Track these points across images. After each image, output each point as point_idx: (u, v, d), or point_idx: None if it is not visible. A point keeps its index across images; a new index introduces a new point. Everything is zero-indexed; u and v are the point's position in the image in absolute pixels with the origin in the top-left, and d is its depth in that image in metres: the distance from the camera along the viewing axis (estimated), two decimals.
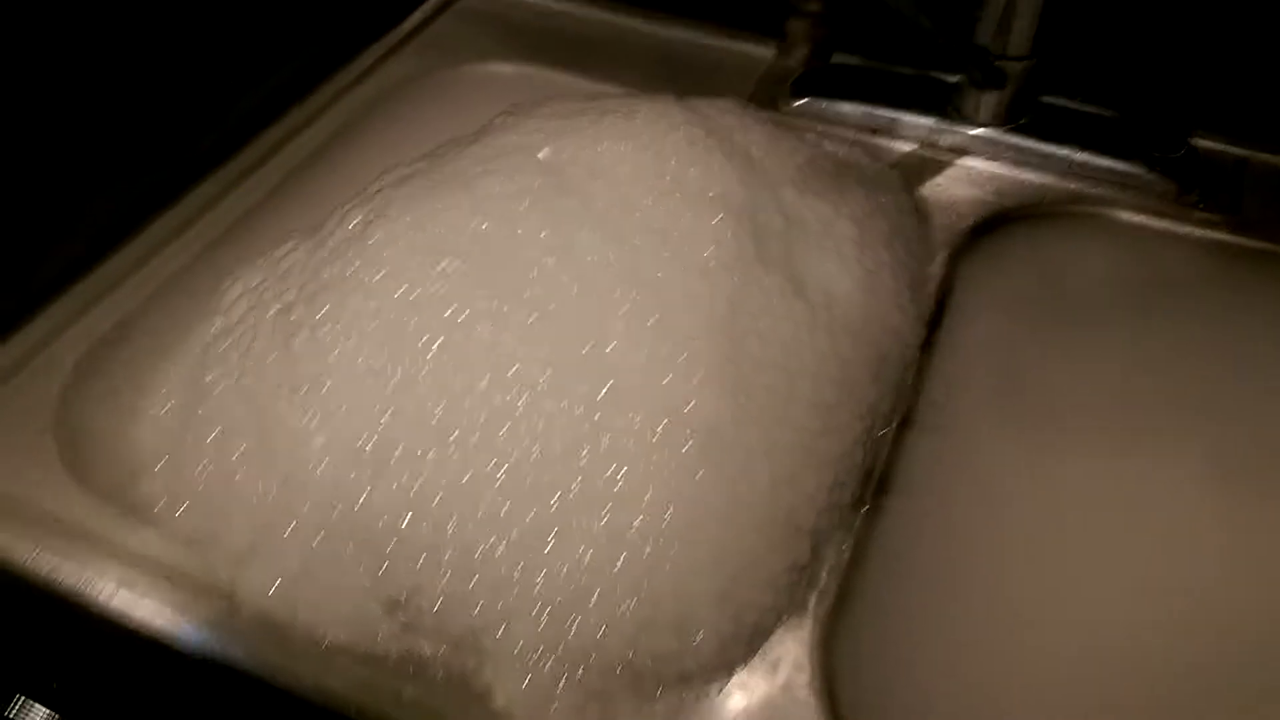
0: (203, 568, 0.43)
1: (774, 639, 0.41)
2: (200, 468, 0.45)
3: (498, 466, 0.42)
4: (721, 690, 0.39)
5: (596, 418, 0.43)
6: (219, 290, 0.52)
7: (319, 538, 0.42)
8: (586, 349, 0.44)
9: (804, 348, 0.46)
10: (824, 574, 0.43)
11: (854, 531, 0.44)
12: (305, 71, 0.68)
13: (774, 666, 0.40)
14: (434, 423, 0.43)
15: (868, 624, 0.42)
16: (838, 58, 0.67)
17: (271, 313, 0.48)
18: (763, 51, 0.70)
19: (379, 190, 0.51)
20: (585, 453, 0.42)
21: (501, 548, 0.41)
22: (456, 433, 0.43)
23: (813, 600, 0.42)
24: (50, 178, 0.52)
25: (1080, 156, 0.60)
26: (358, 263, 0.47)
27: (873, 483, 0.46)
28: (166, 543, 0.44)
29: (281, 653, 0.40)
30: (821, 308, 0.48)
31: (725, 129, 0.54)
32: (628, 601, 0.40)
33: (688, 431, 0.43)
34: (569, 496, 0.41)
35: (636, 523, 0.41)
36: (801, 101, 0.66)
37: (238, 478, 0.44)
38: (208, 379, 0.48)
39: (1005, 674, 0.43)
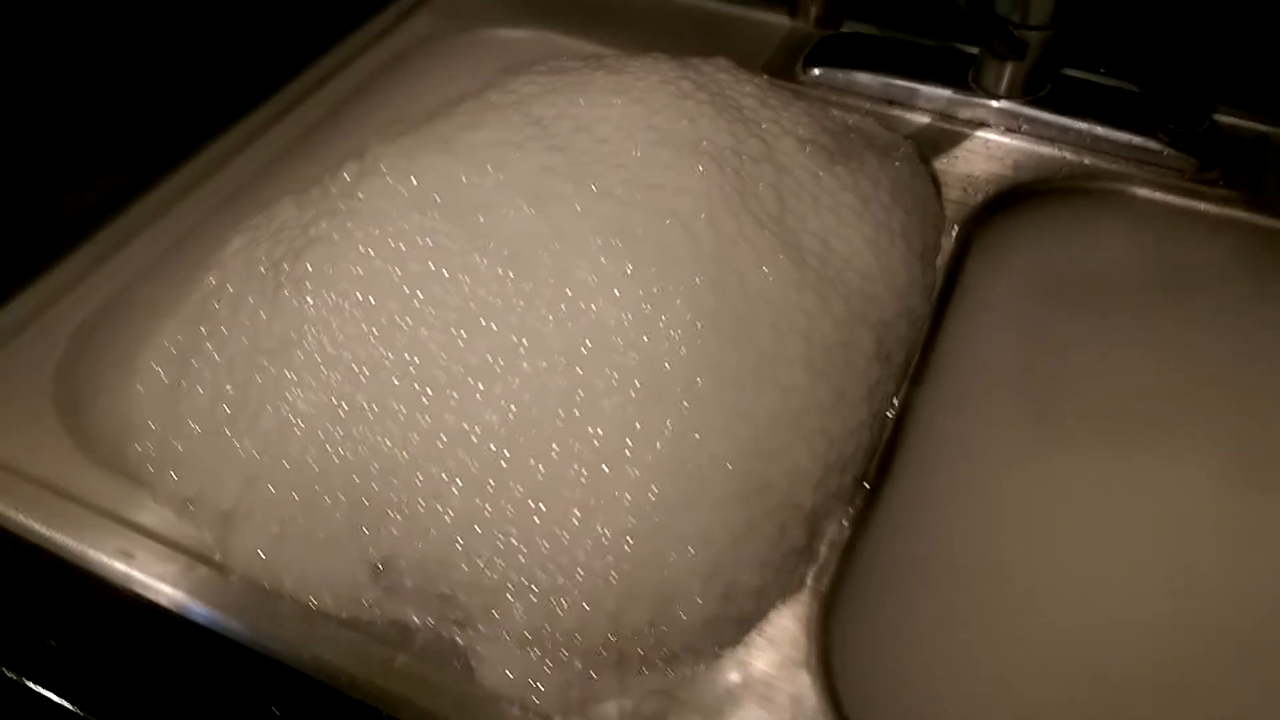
0: (192, 532, 0.43)
1: (770, 616, 0.40)
2: (190, 427, 0.46)
3: (474, 427, 0.42)
4: (714, 668, 0.39)
5: (577, 374, 0.42)
6: (215, 251, 0.52)
7: (300, 499, 0.43)
8: (564, 305, 0.44)
9: (793, 307, 0.45)
10: (823, 550, 0.42)
11: (855, 509, 0.44)
12: (318, 34, 0.68)
13: (771, 643, 0.40)
14: (413, 382, 0.43)
15: (867, 602, 0.42)
16: (854, 27, 0.66)
17: (261, 269, 0.49)
18: (786, 22, 0.69)
19: (370, 148, 0.51)
20: (562, 415, 0.42)
21: (483, 513, 0.41)
22: (431, 391, 0.43)
23: (811, 577, 0.41)
24: (55, 140, 0.52)
25: (1099, 131, 0.59)
26: (344, 220, 0.47)
27: (876, 459, 0.46)
28: (158, 506, 0.44)
29: (270, 619, 0.40)
30: (812, 268, 0.47)
31: (718, 84, 0.53)
32: (611, 576, 0.39)
33: (668, 391, 0.42)
34: (547, 461, 0.41)
35: (617, 492, 0.40)
36: (816, 72, 0.64)
37: (224, 437, 0.45)
38: (200, 338, 0.48)
39: (1006, 654, 0.42)
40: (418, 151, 0.49)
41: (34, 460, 0.45)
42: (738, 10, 0.71)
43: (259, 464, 0.44)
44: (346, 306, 0.45)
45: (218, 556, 0.42)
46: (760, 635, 0.40)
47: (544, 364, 0.43)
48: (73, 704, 0.39)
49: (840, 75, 0.64)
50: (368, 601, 0.41)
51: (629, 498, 0.40)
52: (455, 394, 0.43)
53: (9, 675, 0.40)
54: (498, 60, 0.65)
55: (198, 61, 0.59)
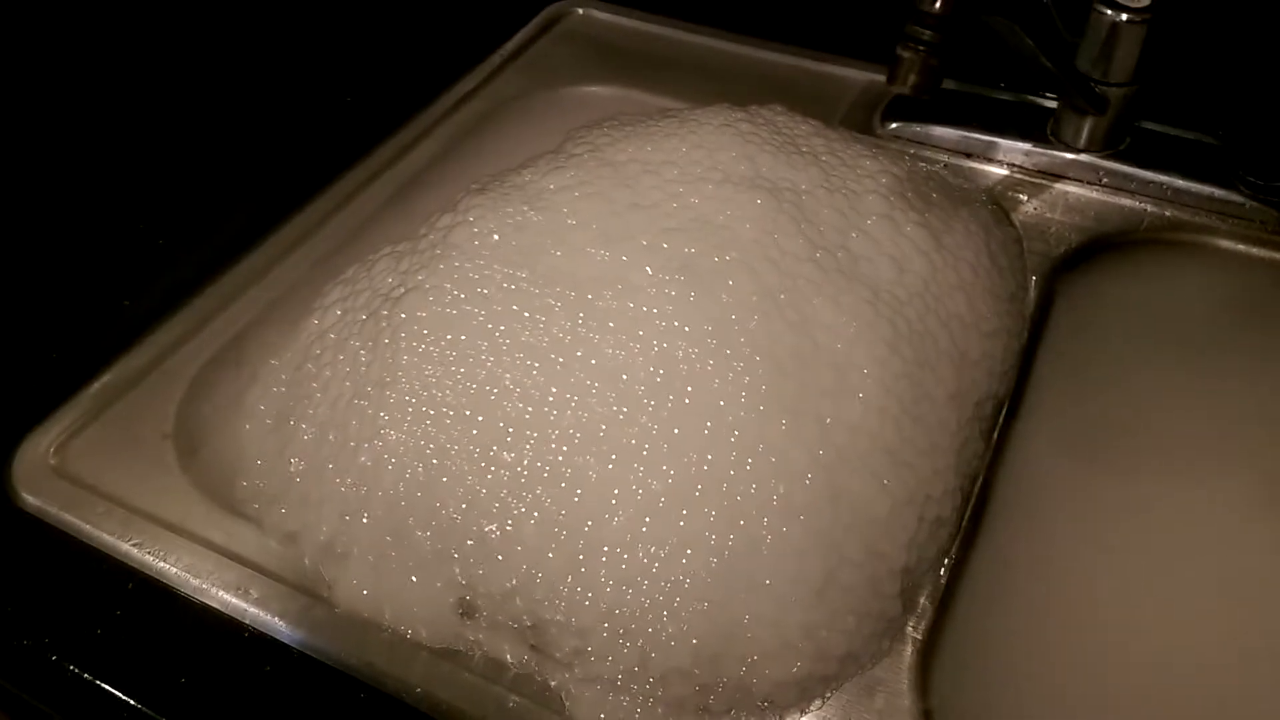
0: (299, 564, 0.45)
1: (870, 666, 0.41)
2: (294, 464, 0.48)
3: (561, 471, 0.44)
4: (812, 715, 0.40)
5: (654, 424, 0.44)
6: (319, 298, 0.55)
7: (391, 534, 0.45)
8: (635, 343, 0.45)
9: (863, 345, 0.46)
10: (922, 600, 0.43)
11: (951, 559, 0.44)
12: (410, 96, 0.71)
13: (870, 691, 0.40)
14: (499, 422, 0.45)
15: (967, 652, 0.43)
16: None
17: (363, 316, 0.51)
18: (864, 76, 0.70)
19: (460, 200, 0.54)
20: (644, 457, 0.43)
21: (567, 555, 0.42)
22: (517, 433, 0.45)
23: (910, 626, 0.42)
24: (174, 197, 0.55)
25: (1180, 183, 0.59)
26: (437, 264, 0.50)
27: (969, 508, 0.46)
28: (265, 540, 0.47)
29: (370, 650, 0.42)
30: (886, 304, 0.48)
31: (774, 126, 0.55)
32: (698, 622, 0.41)
33: (736, 431, 0.43)
34: (630, 506, 0.42)
35: (692, 534, 0.42)
36: (894, 125, 0.66)
37: (325, 473, 0.47)
38: (304, 380, 0.51)
39: (1102, 699, 0.43)
40: (502, 201, 0.52)
41: (152, 499, 0.48)
42: (815, 65, 0.72)
43: (356, 499, 0.46)
44: (436, 350, 0.47)
45: (325, 594, 0.44)
46: (859, 685, 0.41)
47: (624, 409, 0.44)
48: None
49: (918, 128, 0.65)
50: (459, 634, 0.43)
51: (707, 540, 0.41)
52: (533, 432, 0.44)
53: (136, 706, 0.42)
54: (581, 116, 0.67)
55: (299, 123, 0.62)
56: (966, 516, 0.46)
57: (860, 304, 0.47)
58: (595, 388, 0.45)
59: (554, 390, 0.45)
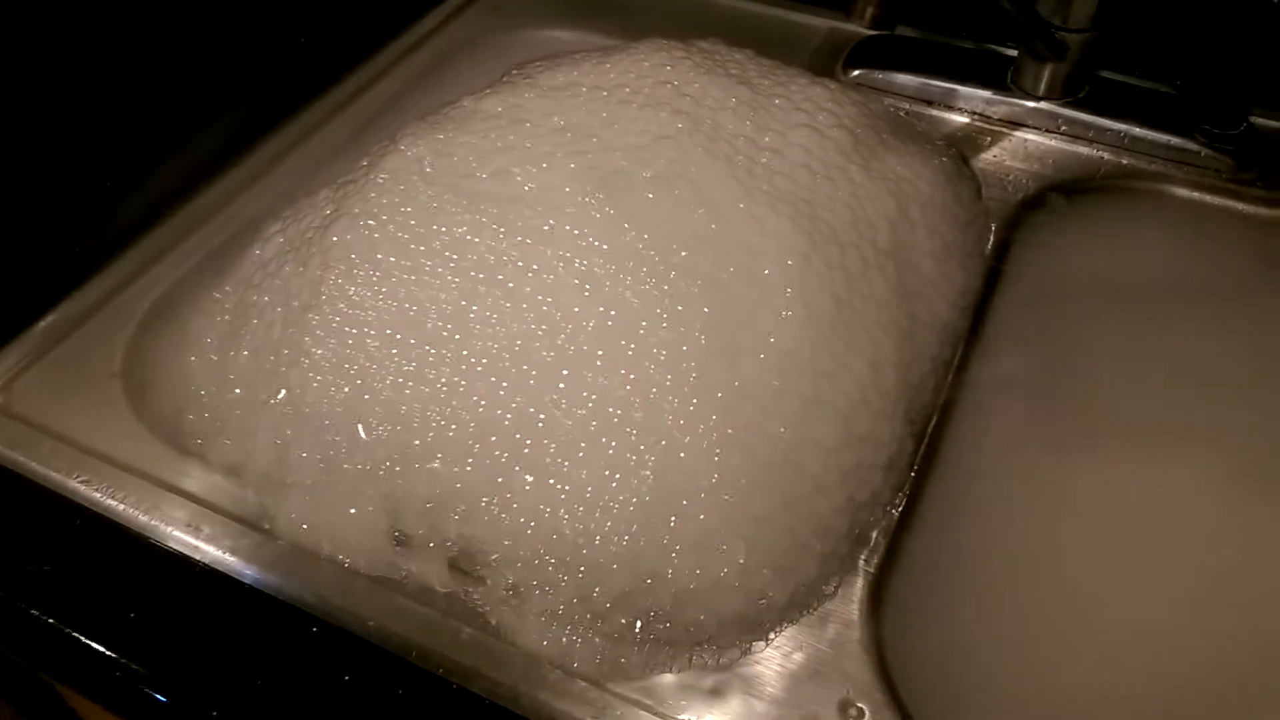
0: (241, 495, 0.45)
1: (824, 597, 0.41)
2: (234, 394, 0.48)
3: (482, 389, 0.44)
4: (765, 647, 0.40)
5: (574, 344, 0.44)
6: (263, 230, 0.54)
7: (323, 460, 0.45)
8: (544, 257, 0.46)
9: (812, 276, 0.46)
10: (874, 536, 0.43)
11: (903, 498, 0.45)
12: (368, 34, 0.70)
13: (822, 622, 0.41)
14: (423, 342, 0.45)
15: (915, 587, 0.43)
16: (897, 30, 0.67)
17: (297, 243, 0.51)
18: (827, 24, 0.70)
19: (400, 129, 0.54)
20: (566, 377, 0.43)
21: (489, 474, 0.43)
22: (436, 349, 0.45)
23: (861, 559, 0.43)
24: (123, 134, 0.54)
25: (1137, 131, 0.60)
26: (369, 193, 0.50)
27: (922, 446, 0.47)
28: (210, 474, 0.46)
29: (313, 580, 0.42)
30: (810, 221, 0.47)
31: (709, 54, 0.55)
32: (660, 553, 0.41)
33: (661, 358, 0.43)
34: (556, 429, 0.43)
35: (659, 466, 0.42)
36: (856, 72, 0.66)
37: (259, 400, 0.47)
38: (243, 310, 0.51)
39: (1051, 637, 0.43)
40: (434, 128, 0.52)
41: (101, 437, 0.47)
42: (778, 13, 0.72)
43: (285, 423, 0.46)
44: (360, 272, 0.47)
45: (266, 525, 0.44)
46: (811, 616, 0.41)
47: (532, 316, 0.45)
48: (139, 665, 0.41)
49: (879, 75, 0.65)
50: (392, 562, 0.43)
51: (639, 465, 0.42)
52: (455, 351, 0.45)
53: (82, 640, 0.41)
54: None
55: (252, 62, 0.61)
56: (920, 454, 0.47)
57: (784, 221, 0.47)
58: (516, 307, 0.45)
59: (474, 309, 0.45)
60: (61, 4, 0.54)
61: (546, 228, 0.46)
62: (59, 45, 0.55)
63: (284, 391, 0.46)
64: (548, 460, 0.42)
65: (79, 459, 0.46)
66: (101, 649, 0.41)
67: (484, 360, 0.44)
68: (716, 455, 0.42)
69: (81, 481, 0.45)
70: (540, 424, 0.43)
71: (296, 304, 0.48)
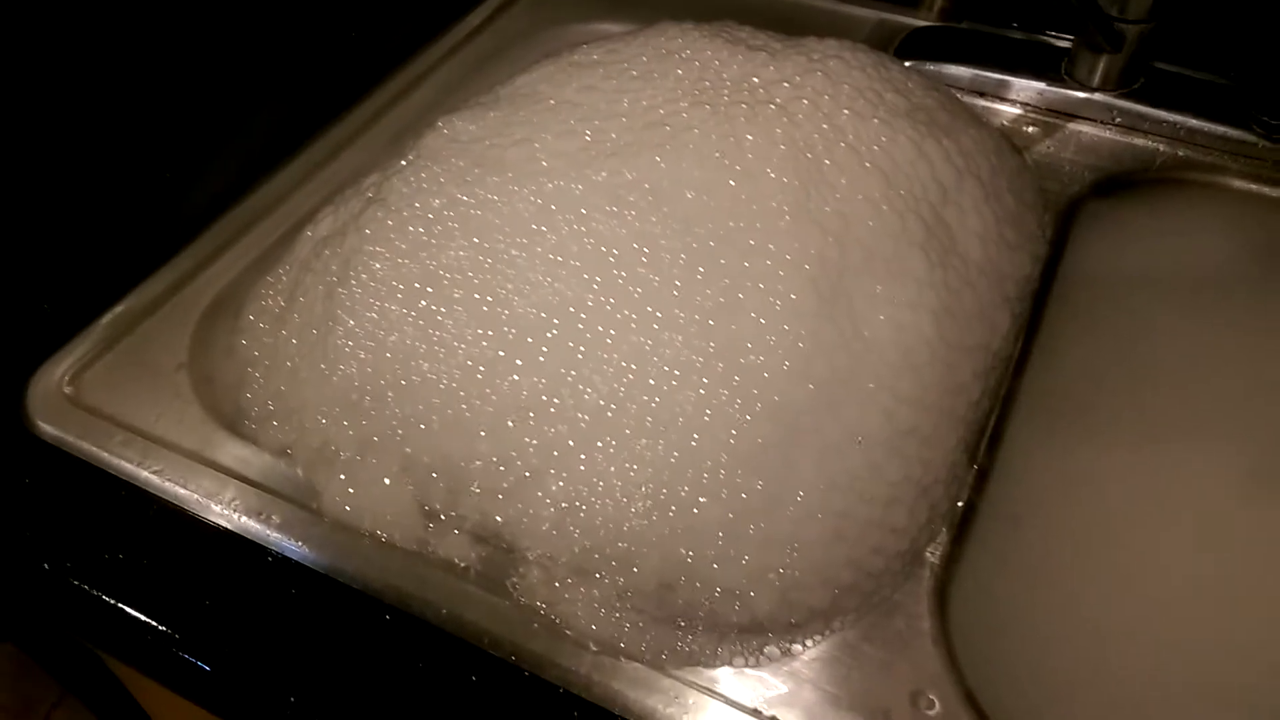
0: (288, 477, 0.46)
1: (890, 588, 0.42)
2: (283, 375, 0.49)
3: (556, 384, 0.44)
4: (834, 638, 0.40)
5: (611, 320, 0.45)
6: (315, 215, 0.55)
7: (363, 441, 0.46)
8: (588, 240, 0.46)
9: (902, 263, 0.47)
10: (939, 526, 0.43)
11: (968, 490, 0.45)
12: (415, 32, 0.70)
13: (890, 615, 0.41)
14: (457, 310, 0.46)
15: (982, 578, 0.43)
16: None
17: (340, 225, 0.52)
18: (876, 15, 0.70)
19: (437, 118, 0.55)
20: (609, 346, 0.44)
21: (564, 476, 0.43)
22: (473, 324, 0.45)
23: (928, 551, 0.43)
24: (186, 134, 0.55)
25: (1193, 123, 0.59)
26: (408, 173, 0.51)
27: (984, 442, 0.47)
28: (263, 456, 0.47)
29: (354, 555, 0.43)
30: (934, 233, 0.48)
31: (735, 34, 0.56)
32: (731, 544, 0.41)
33: (712, 346, 0.44)
34: (632, 423, 0.43)
35: (717, 464, 0.42)
36: (908, 64, 0.65)
37: (300, 380, 0.48)
38: (293, 295, 0.52)
39: (1119, 629, 0.43)
40: (470, 110, 0.54)
41: (167, 426, 0.48)
42: (823, 4, 0.72)
43: (328, 397, 0.47)
44: (388, 249, 0.48)
45: (314, 505, 0.45)
46: (879, 609, 0.41)
47: (569, 293, 0.45)
48: (206, 663, 0.41)
49: (931, 67, 0.65)
50: (424, 538, 0.44)
51: (733, 467, 0.42)
52: (492, 327, 0.45)
53: (160, 629, 0.42)
54: None
55: (304, 63, 0.61)
56: (983, 447, 0.47)
57: (894, 219, 0.47)
58: (552, 280, 0.46)
59: (511, 281, 0.46)
60: (129, 12, 0.55)
61: (577, 192, 0.47)
62: (122, 46, 0.56)
63: (324, 364, 0.47)
64: (599, 444, 0.43)
65: (149, 448, 0.47)
66: (173, 633, 0.42)
67: (525, 336, 0.45)
68: (778, 451, 0.42)
69: (154, 472, 0.46)
70: (586, 398, 0.43)
71: (334, 279, 0.49)
